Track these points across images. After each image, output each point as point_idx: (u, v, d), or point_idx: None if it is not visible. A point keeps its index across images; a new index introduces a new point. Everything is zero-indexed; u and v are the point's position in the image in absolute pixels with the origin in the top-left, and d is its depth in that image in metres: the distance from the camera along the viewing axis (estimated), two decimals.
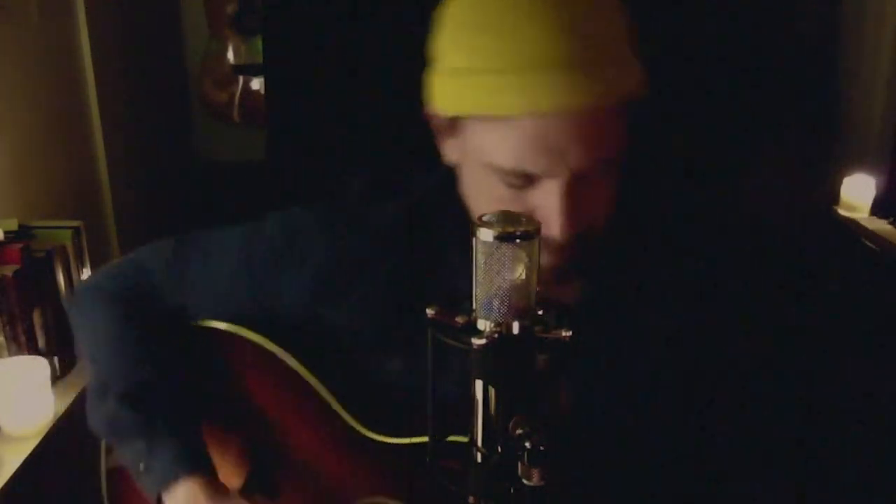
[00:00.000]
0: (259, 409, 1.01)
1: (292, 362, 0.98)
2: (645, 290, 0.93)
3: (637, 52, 0.84)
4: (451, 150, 0.91)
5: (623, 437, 0.92)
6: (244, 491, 1.00)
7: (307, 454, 0.99)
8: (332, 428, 0.96)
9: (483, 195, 0.87)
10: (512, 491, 0.66)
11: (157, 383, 0.98)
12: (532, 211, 0.83)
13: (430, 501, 0.89)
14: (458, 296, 0.92)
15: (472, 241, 0.65)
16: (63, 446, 1.52)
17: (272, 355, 0.99)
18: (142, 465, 0.95)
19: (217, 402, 1.02)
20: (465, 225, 0.91)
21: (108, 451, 1.06)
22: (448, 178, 0.94)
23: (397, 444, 0.93)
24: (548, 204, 0.82)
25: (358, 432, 0.95)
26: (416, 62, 0.91)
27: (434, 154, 0.93)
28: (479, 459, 0.69)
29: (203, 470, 0.94)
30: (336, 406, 0.97)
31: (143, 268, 1.04)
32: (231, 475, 1.00)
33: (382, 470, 0.95)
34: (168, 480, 0.93)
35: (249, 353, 1.00)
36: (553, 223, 0.82)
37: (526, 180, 0.82)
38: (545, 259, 0.85)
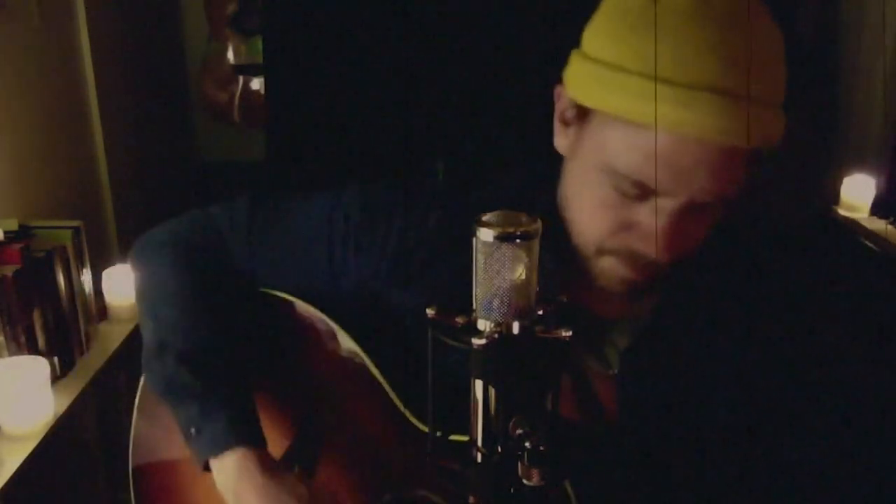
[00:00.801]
0: (312, 384, 1.00)
1: (352, 343, 0.97)
2: (717, 310, 0.92)
3: (783, 99, 0.81)
4: (565, 138, 0.88)
5: (668, 451, 0.92)
6: (283, 460, 0.98)
7: (353, 435, 0.98)
8: (383, 412, 0.95)
9: (587, 194, 0.85)
10: (512, 491, 0.66)
11: (218, 347, 0.97)
12: (635, 224, 0.82)
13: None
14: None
15: (472, 241, 0.65)
16: (63, 446, 1.52)
17: (332, 332, 0.98)
18: (193, 430, 0.93)
19: (272, 370, 1.01)
20: (551, 223, 0.91)
21: (135, 448, 1.05)
22: (533, 176, 0.93)
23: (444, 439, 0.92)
24: (654, 223, 0.80)
25: (407, 420, 0.94)
26: (416, 62, 0.91)
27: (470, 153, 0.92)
28: (479, 459, 0.69)
29: (256, 442, 0.93)
30: (389, 390, 0.95)
31: (216, 226, 1.02)
32: (273, 443, 0.98)
33: (425, 462, 0.94)
34: (219, 448, 0.91)
35: (310, 327, 0.99)
36: (654, 244, 0.80)
37: (640, 193, 0.80)
38: (626, 272, 0.85)
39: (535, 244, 0.63)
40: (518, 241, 0.63)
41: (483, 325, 0.65)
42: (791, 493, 0.94)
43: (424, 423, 0.92)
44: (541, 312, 0.66)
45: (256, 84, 3.08)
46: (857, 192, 2.30)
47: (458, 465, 0.71)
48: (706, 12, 0.76)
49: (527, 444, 0.63)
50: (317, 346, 0.99)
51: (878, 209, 2.25)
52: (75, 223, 1.75)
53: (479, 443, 0.68)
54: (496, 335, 0.64)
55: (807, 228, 2.43)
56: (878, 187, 2.27)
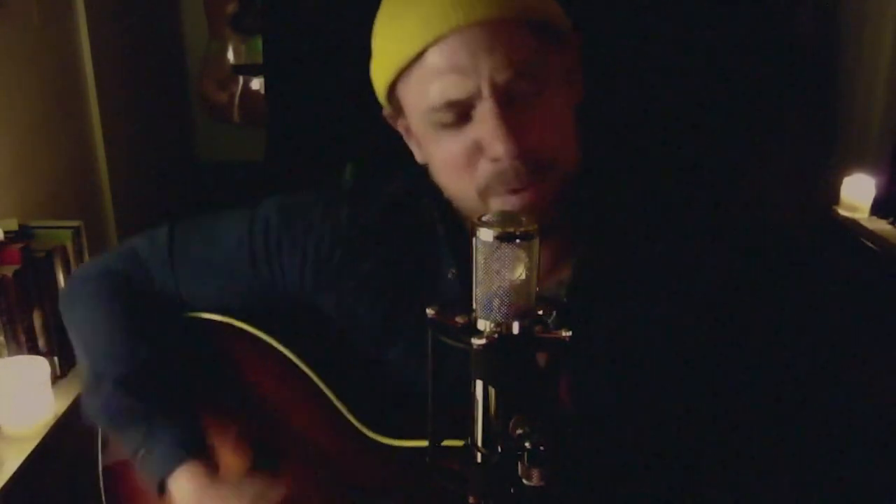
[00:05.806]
0: (258, 400, 1.00)
1: (292, 356, 0.97)
2: (635, 280, 0.92)
3: None
4: (411, 143, 0.93)
5: (618, 428, 0.91)
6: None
7: (309, 444, 0.98)
8: (333, 423, 0.96)
9: (444, 163, 0.88)
10: (512, 491, 0.66)
11: (155, 367, 0.97)
12: (479, 143, 0.84)
13: (427, 501, 0.88)
14: (448, 286, 0.91)
15: (471, 241, 0.65)
16: (63, 446, 1.52)
17: (270, 347, 0.98)
18: (142, 452, 0.94)
19: (213, 391, 1.01)
20: (447, 214, 0.93)
21: (104, 447, 1.05)
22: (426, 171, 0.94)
23: (397, 446, 0.92)
24: (487, 126, 0.82)
25: (357, 430, 0.95)
26: None
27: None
28: (479, 459, 0.69)
29: (204, 453, 0.94)
30: (337, 402, 0.96)
31: (138, 256, 1.03)
32: (233, 462, 0.97)
33: (383, 467, 0.94)
34: (171, 466, 0.92)
35: (246, 345, 0.99)
36: (496, 140, 0.82)
37: (460, 114, 0.83)
38: (515, 200, 0.85)
39: (535, 244, 0.63)
40: (518, 241, 0.63)
41: (483, 325, 0.65)
42: (746, 466, 0.94)
43: (371, 429, 0.94)
44: (541, 312, 0.66)
45: (256, 84, 3.07)
46: (857, 192, 2.29)
47: (458, 465, 0.71)
48: None
49: (527, 444, 0.63)
50: (259, 362, 1.00)
51: (878, 209, 2.25)
52: (75, 223, 1.75)
53: (479, 443, 0.68)
54: (496, 335, 0.64)
55: (807, 228, 2.43)
56: (878, 187, 2.27)
